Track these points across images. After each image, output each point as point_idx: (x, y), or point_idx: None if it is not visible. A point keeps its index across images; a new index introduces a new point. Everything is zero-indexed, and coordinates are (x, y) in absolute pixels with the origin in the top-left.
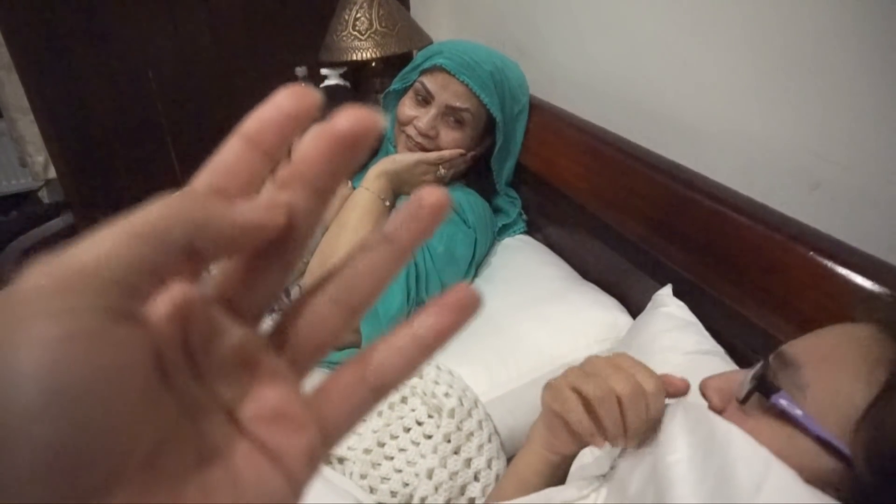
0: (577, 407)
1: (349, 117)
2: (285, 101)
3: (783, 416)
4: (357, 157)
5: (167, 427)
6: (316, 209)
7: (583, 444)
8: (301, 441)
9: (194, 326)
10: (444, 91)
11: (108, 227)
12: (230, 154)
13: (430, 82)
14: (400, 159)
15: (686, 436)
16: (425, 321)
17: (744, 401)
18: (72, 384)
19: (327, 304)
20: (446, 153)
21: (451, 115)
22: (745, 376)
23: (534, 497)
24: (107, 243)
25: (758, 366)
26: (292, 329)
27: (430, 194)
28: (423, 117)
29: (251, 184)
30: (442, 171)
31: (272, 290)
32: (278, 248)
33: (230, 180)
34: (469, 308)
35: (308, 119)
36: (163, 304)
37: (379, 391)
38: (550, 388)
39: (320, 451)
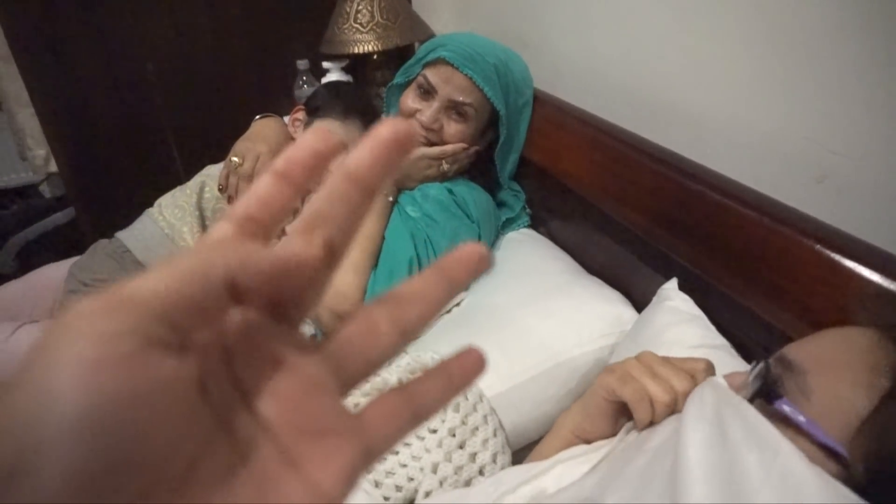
0: (647, 399)
1: (390, 127)
2: (312, 140)
3: (785, 420)
4: (397, 163)
5: (201, 444)
6: (355, 218)
7: (611, 435)
8: (340, 458)
9: (233, 338)
10: (448, 84)
11: (162, 264)
12: (263, 187)
13: (432, 75)
14: None
15: (710, 416)
16: (456, 365)
17: None
18: (105, 407)
19: (385, 322)
20: (448, 148)
21: (455, 108)
22: (746, 378)
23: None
24: (155, 279)
25: (758, 368)
26: (346, 343)
27: (477, 250)
28: (427, 111)
29: (283, 212)
30: (445, 165)
31: (313, 298)
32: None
33: (263, 210)
34: (481, 362)
35: (332, 157)
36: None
37: (419, 414)
38: (616, 372)
39: (360, 468)
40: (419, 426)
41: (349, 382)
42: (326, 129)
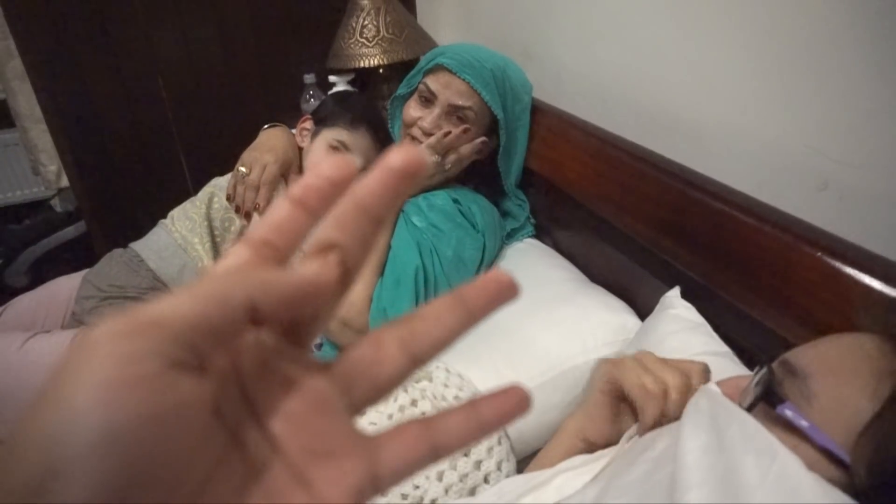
0: (641, 385)
1: (400, 155)
2: (329, 169)
3: (788, 425)
4: (409, 190)
5: (215, 461)
6: (366, 242)
7: (614, 437)
8: (347, 478)
9: (247, 359)
10: (447, 89)
11: (185, 288)
12: (280, 213)
13: (432, 82)
14: None
15: (706, 424)
16: (491, 405)
17: (748, 409)
18: (129, 425)
19: (394, 346)
20: (449, 133)
21: (455, 113)
22: (749, 383)
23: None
24: (178, 302)
25: (760, 372)
26: (357, 366)
27: (498, 276)
28: (427, 117)
29: (298, 238)
30: (447, 164)
31: (325, 319)
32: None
33: (279, 235)
34: (525, 402)
35: (346, 185)
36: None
37: (436, 451)
38: (622, 365)
39: (367, 495)
40: (436, 462)
41: (358, 404)
42: (343, 159)
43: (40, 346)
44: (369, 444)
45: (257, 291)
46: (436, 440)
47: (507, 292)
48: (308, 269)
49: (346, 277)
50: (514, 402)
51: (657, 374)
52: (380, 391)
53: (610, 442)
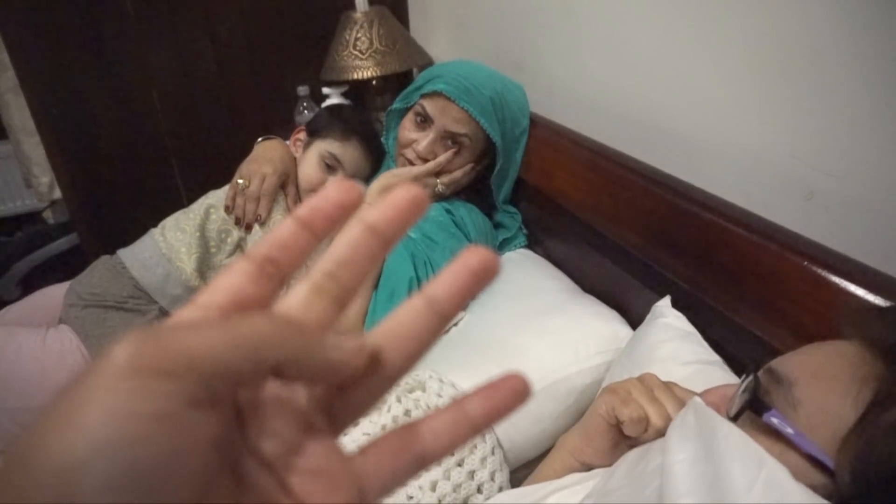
0: (643, 422)
1: (406, 193)
2: (333, 193)
3: (774, 432)
4: (413, 222)
5: (211, 484)
6: (365, 266)
7: (610, 458)
8: (338, 498)
9: (248, 393)
10: (444, 116)
11: (220, 323)
12: (285, 232)
13: (429, 106)
14: (399, 173)
15: (693, 437)
16: (477, 402)
17: (735, 418)
18: (146, 462)
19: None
20: (442, 158)
21: (450, 139)
22: (736, 391)
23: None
24: (209, 341)
25: (746, 381)
26: (333, 388)
27: (475, 256)
28: (423, 141)
29: (301, 257)
30: (441, 187)
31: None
32: None
33: (283, 254)
34: (521, 394)
35: (355, 210)
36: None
37: (421, 461)
38: (618, 393)
39: None
40: (424, 469)
41: (340, 425)
42: (350, 183)
43: (26, 341)
44: (355, 460)
45: (290, 360)
46: (421, 447)
47: (486, 276)
48: (342, 350)
49: (381, 368)
50: (508, 394)
51: (663, 404)
52: (361, 410)
53: (607, 462)
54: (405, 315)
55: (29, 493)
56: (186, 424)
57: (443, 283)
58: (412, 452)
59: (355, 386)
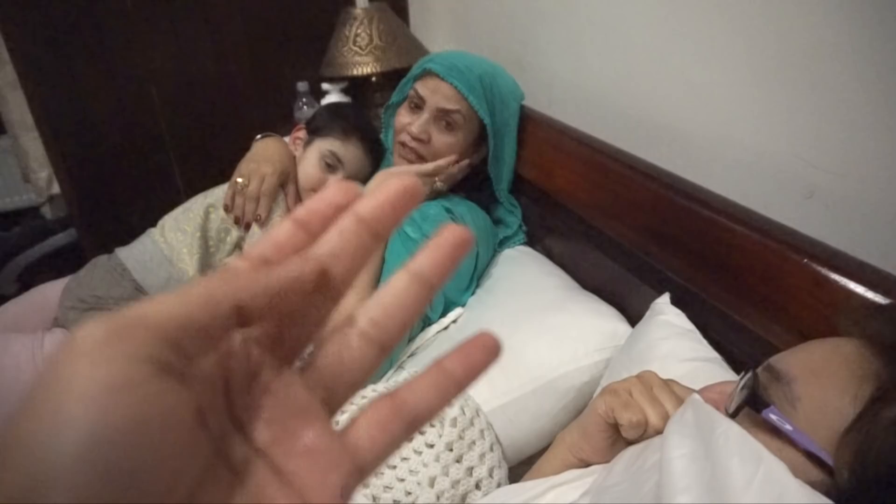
0: (642, 425)
1: (399, 181)
2: (334, 195)
3: (773, 429)
4: (406, 213)
5: (202, 469)
6: (357, 257)
7: (608, 456)
8: (334, 477)
9: (235, 371)
10: (435, 94)
11: (172, 292)
12: (282, 232)
13: (421, 88)
14: (396, 172)
15: (692, 433)
16: (455, 360)
17: (733, 414)
18: (117, 433)
19: (357, 340)
20: (442, 162)
21: (443, 118)
22: (735, 388)
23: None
24: (166, 303)
25: (746, 377)
26: (325, 366)
27: (452, 232)
28: (416, 122)
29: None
30: (438, 183)
31: (310, 332)
32: (315, 293)
33: (279, 254)
34: (493, 350)
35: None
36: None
37: (412, 424)
38: (619, 394)
39: (353, 486)
40: (413, 434)
41: (334, 404)
42: (348, 184)
43: (23, 349)
44: (347, 436)
45: (241, 290)
46: (408, 412)
47: (464, 245)
48: (288, 265)
49: (325, 280)
50: (481, 351)
51: (663, 404)
52: (353, 386)
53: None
54: (391, 287)
55: (3, 480)
56: (156, 393)
57: (425, 256)
58: (402, 418)
59: (347, 358)
